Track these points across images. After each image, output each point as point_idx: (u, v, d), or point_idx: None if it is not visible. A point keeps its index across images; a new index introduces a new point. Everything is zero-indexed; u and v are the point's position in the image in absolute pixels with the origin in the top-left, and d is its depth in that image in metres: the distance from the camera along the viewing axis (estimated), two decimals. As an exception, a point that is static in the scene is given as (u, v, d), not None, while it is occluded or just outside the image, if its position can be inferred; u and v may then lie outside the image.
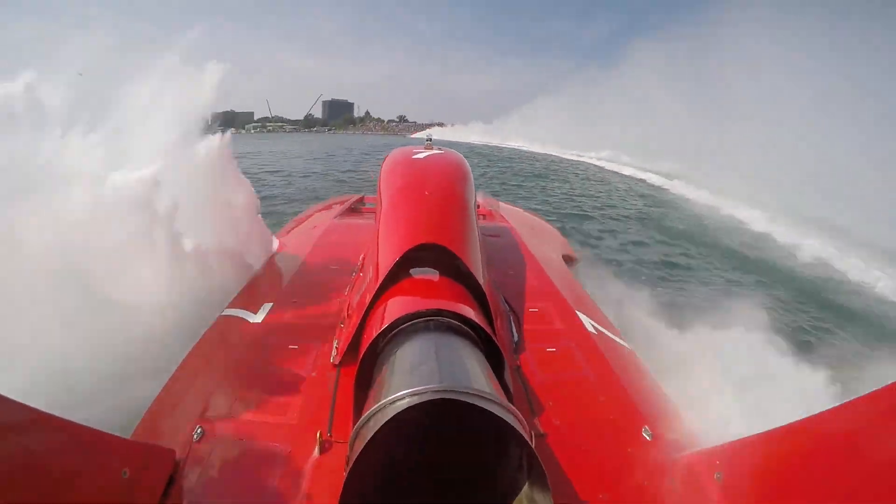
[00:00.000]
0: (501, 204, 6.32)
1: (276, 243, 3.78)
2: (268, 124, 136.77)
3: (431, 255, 2.20)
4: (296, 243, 3.92)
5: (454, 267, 2.20)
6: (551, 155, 37.53)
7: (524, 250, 3.71)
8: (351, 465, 1.14)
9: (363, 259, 3.00)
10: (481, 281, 2.24)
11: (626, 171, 24.90)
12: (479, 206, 4.72)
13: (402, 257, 2.15)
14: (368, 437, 1.15)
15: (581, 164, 31.13)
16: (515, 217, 5.34)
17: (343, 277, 2.92)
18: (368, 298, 2.10)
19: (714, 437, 1.59)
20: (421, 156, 3.14)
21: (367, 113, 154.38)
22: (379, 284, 2.11)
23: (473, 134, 73.44)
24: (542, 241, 4.42)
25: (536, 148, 44.14)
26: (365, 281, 2.46)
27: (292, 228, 4.92)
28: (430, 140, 3.62)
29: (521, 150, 44.06)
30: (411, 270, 2.16)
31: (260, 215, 3.69)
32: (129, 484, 1.27)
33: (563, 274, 3.56)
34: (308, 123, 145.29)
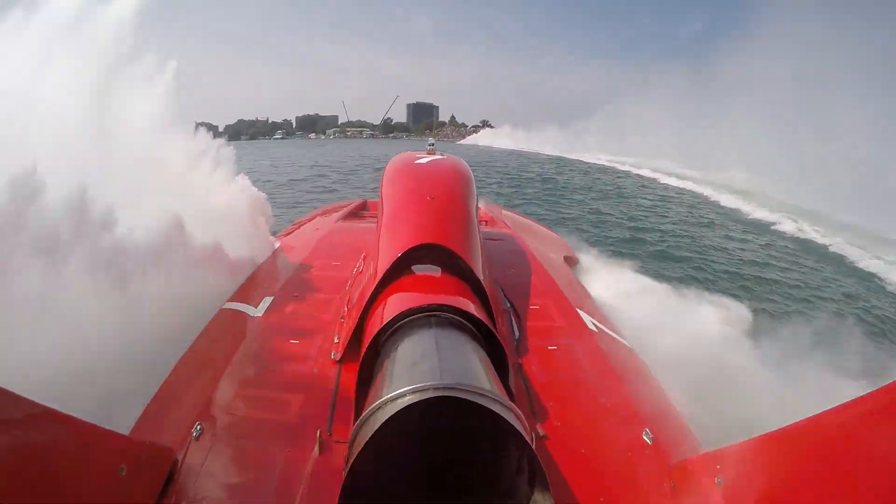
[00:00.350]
0: (503, 210, 6.34)
1: (277, 244, 3.85)
2: (347, 129, 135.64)
3: (433, 254, 2.22)
4: (297, 243, 3.98)
5: (456, 266, 2.22)
6: (665, 184, 22.15)
7: (526, 252, 3.71)
8: (350, 463, 1.13)
9: (364, 257, 2.99)
10: (482, 279, 2.25)
11: (813, 235, 11.54)
12: (481, 213, 4.60)
13: (402, 256, 2.16)
14: (368, 436, 1.14)
15: (698, 198, 17.32)
16: (517, 222, 5.44)
17: (344, 273, 2.93)
18: (369, 293, 2.12)
19: (714, 441, 1.58)
20: (423, 161, 3.20)
21: (452, 117, 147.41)
22: (380, 280, 2.12)
23: (545, 144, 52.53)
24: (543, 244, 4.47)
25: (623, 164, 30.08)
26: (366, 277, 2.47)
27: (294, 230, 4.92)
28: (433, 146, 3.79)
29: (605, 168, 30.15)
30: (413, 267, 2.18)
31: (264, 219, 3.77)
32: (127, 481, 1.27)
33: (564, 273, 3.63)
34: (387, 128, 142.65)
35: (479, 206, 3.99)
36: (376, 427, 1.14)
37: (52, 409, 1.07)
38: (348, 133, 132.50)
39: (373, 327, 1.82)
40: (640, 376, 2.26)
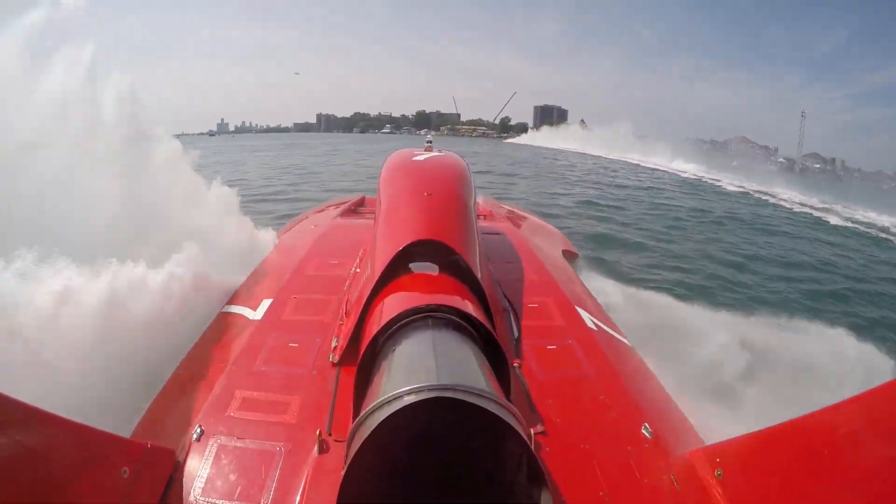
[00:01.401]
0: (502, 204, 6.38)
1: (275, 241, 4.03)
2: (459, 127, 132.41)
3: (430, 251, 2.23)
4: (295, 241, 3.97)
5: (453, 263, 2.23)
6: None
7: (524, 248, 3.67)
8: (348, 463, 1.16)
9: (362, 255, 3.03)
10: (480, 277, 2.26)
11: None
12: (479, 207, 4.71)
13: (400, 253, 2.18)
14: (366, 436, 1.16)
15: None
16: (516, 217, 5.45)
17: (342, 273, 2.94)
18: (367, 293, 2.14)
19: (714, 435, 1.68)
20: (421, 157, 3.19)
21: (582, 121, 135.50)
22: (378, 279, 2.14)
23: None
24: (542, 239, 4.43)
25: None
26: (364, 276, 2.51)
27: (292, 227, 4.95)
28: (431, 142, 3.80)
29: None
30: (411, 265, 2.19)
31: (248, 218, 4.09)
32: (129, 483, 1.30)
33: (563, 270, 3.61)
34: (504, 128, 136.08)
35: (478, 200, 3.97)
36: (374, 427, 1.14)
37: (53, 413, 1.11)
38: (460, 131, 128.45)
39: (371, 329, 1.81)
40: (640, 374, 2.28)
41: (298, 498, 1.40)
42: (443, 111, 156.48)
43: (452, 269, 2.18)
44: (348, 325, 2.13)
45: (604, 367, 2.10)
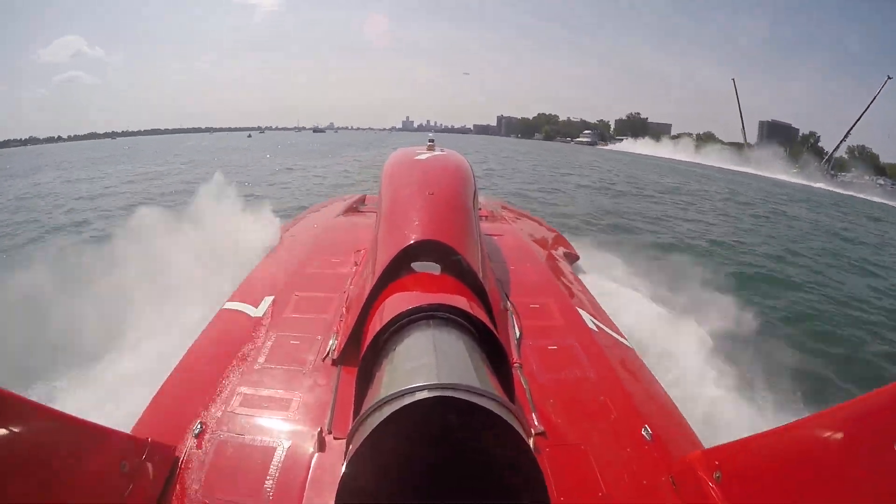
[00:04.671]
0: (504, 206, 6.58)
1: (278, 238, 4.25)
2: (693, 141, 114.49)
3: (432, 251, 2.28)
4: (297, 240, 4.15)
5: (455, 264, 2.28)
6: None
7: (525, 249, 3.87)
8: (347, 461, 1.18)
9: (364, 254, 3.16)
10: (481, 276, 2.33)
11: None
12: (481, 209, 4.90)
13: (401, 253, 2.24)
14: (365, 436, 1.17)
15: None
16: (517, 219, 5.60)
17: (344, 270, 3.07)
18: (367, 292, 2.19)
19: (713, 437, 1.77)
20: (423, 157, 3.26)
21: (811, 143, 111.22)
22: (379, 279, 2.19)
23: None
24: (543, 241, 4.67)
25: None
26: (365, 275, 2.59)
27: (293, 225, 5.14)
28: (433, 141, 3.78)
29: None
30: (413, 265, 2.23)
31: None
32: (128, 478, 1.33)
33: (564, 271, 3.72)
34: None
35: (480, 201, 4.17)
36: (373, 427, 1.15)
37: (52, 407, 1.13)
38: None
39: (372, 328, 1.82)
40: (640, 375, 2.33)
41: (298, 495, 1.46)
42: (651, 120, 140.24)
43: (454, 269, 2.23)
44: (348, 323, 2.24)
45: (604, 368, 2.18)
